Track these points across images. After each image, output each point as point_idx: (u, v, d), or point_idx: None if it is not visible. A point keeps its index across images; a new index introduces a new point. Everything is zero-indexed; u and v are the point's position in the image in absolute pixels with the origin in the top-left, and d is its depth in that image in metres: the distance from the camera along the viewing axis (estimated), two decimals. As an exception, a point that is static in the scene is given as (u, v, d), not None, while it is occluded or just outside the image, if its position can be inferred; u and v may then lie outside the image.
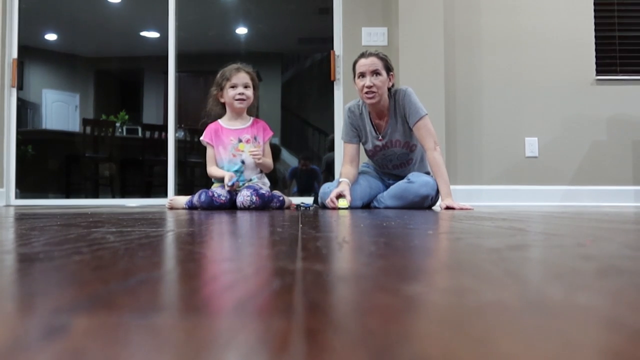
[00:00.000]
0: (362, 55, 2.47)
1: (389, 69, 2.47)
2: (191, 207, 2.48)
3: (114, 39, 6.67)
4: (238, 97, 2.53)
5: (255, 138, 2.58)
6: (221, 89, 2.57)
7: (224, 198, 2.38)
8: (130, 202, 4.01)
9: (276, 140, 7.02)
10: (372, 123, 2.59)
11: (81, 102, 6.95)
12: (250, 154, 2.48)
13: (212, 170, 2.55)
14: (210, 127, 2.61)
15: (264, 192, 2.42)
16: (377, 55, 2.45)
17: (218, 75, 2.61)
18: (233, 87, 2.54)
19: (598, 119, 3.76)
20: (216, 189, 2.45)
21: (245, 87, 2.55)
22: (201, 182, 4.75)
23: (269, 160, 2.59)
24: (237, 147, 2.55)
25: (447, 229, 1.06)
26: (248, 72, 2.58)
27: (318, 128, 6.80)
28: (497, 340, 0.23)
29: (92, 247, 0.64)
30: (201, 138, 2.62)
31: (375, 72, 2.42)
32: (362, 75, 2.44)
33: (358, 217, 1.55)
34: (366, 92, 2.44)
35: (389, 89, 2.52)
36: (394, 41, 3.65)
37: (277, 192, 2.61)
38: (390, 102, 2.53)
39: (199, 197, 2.40)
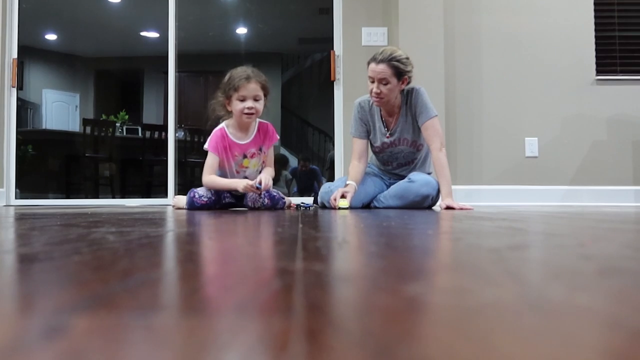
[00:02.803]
0: (374, 59, 2.43)
1: (401, 74, 2.42)
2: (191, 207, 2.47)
3: (114, 39, 6.67)
4: (247, 111, 2.27)
5: (260, 149, 2.42)
6: (228, 97, 2.32)
7: (205, 199, 2.33)
8: (130, 202, 4.00)
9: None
10: (381, 119, 2.59)
11: (81, 102, 6.96)
12: (263, 183, 2.23)
13: (214, 178, 2.33)
14: (217, 136, 2.36)
15: (274, 193, 2.38)
16: (389, 61, 2.39)
17: (226, 78, 2.35)
18: (242, 99, 2.28)
19: (598, 119, 3.76)
20: (198, 189, 2.38)
21: (256, 99, 2.29)
22: (201, 182, 4.75)
23: (271, 170, 2.44)
24: (241, 163, 2.40)
25: (447, 229, 1.06)
26: (259, 82, 2.31)
27: (318, 128, 6.80)
28: (497, 340, 0.23)
29: (92, 247, 0.64)
30: (205, 147, 2.39)
31: (383, 81, 2.41)
32: (371, 79, 2.44)
33: (358, 217, 1.55)
34: (374, 97, 2.45)
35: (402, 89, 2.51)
36: (394, 41, 3.65)
37: (280, 194, 2.58)
38: (401, 101, 2.54)
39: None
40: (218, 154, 2.34)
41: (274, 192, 2.38)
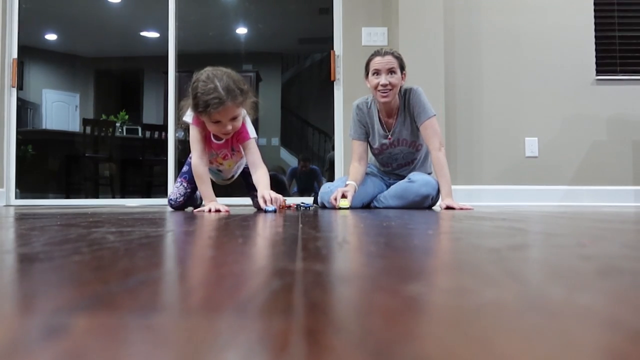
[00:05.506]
0: (378, 53, 2.46)
1: (402, 67, 2.47)
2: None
3: (114, 39, 6.67)
4: (224, 131, 1.98)
5: (232, 149, 2.16)
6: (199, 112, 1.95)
7: (181, 199, 2.30)
8: (130, 202, 4.00)
9: (276, 141, 7.03)
10: (380, 121, 2.59)
11: (81, 102, 6.95)
12: (274, 204, 1.89)
13: (200, 173, 2.04)
14: (196, 117, 2.03)
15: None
16: (392, 54, 2.45)
17: (192, 91, 1.92)
18: (216, 122, 1.94)
19: (598, 119, 3.76)
20: (170, 194, 2.35)
21: (233, 119, 1.95)
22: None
23: (264, 176, 2.01)
24: (215, 157, 2.22)
25: (447, 229, 1.06)
26: (236, 103, 1.90)
27: (318, 128, 6.80)
28: (497, 340, 0.23)
29: (92, 247, 0.64)
30: (184, 118, 2.08)
31: (391, 71, 2.43)
32: (377, 73, 2.44)
33: (358, 217, 1.55)
34: (381, 90, 2.44)
35: (399, 88, 2.52)
36: (394, 41, 3.65)
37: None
38: (400, 101, 2.54)
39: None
40: (201, 128, 2.05)
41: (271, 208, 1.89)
